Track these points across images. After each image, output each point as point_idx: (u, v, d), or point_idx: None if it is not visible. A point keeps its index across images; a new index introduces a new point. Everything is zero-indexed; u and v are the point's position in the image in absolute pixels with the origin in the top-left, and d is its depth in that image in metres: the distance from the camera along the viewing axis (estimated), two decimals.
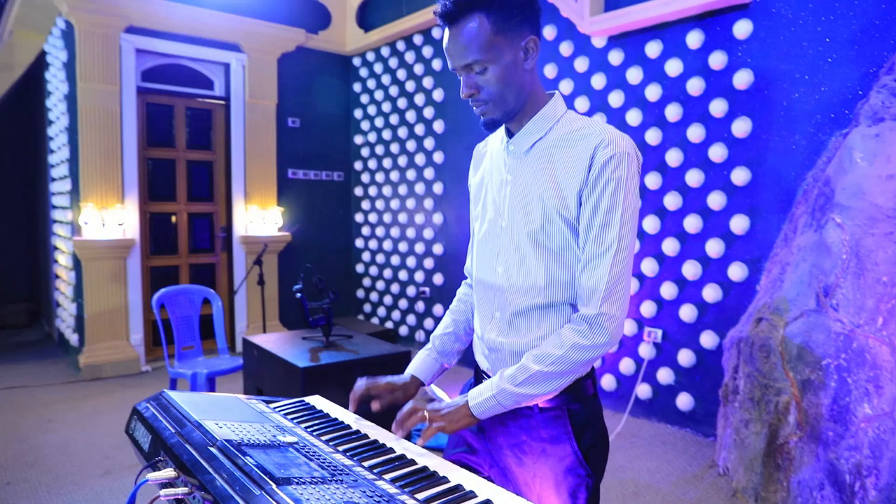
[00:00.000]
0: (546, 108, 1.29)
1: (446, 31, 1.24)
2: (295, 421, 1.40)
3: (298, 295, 3.32)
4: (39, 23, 5.34)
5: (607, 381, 4.25)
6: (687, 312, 3.79)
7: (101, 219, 5.02)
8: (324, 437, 1.29)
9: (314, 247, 6.49)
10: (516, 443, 1.31)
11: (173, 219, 5.79)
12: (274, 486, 0.94)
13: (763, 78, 3.53)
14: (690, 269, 3.78)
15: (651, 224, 3.98)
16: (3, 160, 7.62)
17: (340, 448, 1.23)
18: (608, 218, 1.19)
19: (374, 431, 1.35)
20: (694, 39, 3.78)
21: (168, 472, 1.08)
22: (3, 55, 5.49)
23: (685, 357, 3.79)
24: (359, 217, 6.78)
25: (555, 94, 1.32)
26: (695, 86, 3.77)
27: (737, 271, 3.57)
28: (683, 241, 3.86)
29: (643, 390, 4.01)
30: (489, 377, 1.33)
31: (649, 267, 3.99)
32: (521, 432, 1.30)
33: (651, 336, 3.98)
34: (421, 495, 1.03)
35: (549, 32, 4.61)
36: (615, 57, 4.22)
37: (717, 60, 3.66)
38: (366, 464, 1.16)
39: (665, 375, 3.90)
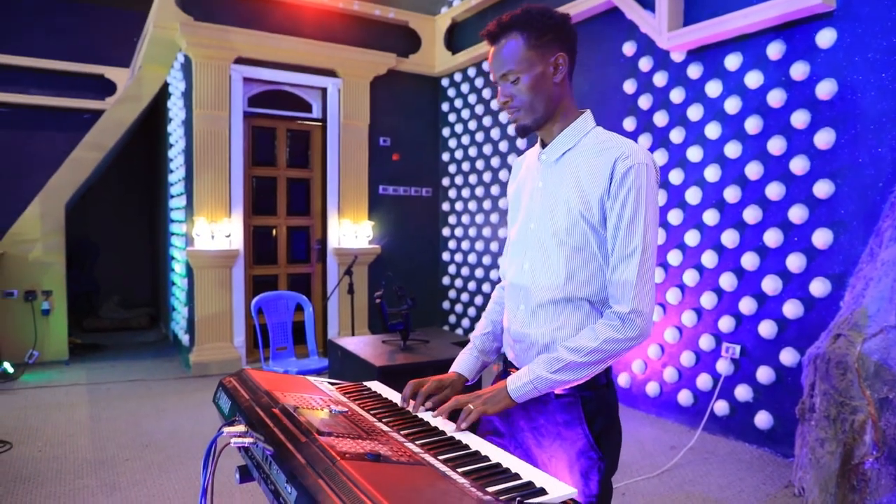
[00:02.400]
0: (577, 123, 1.46)
1: (491, 48, 1.45)
2: (350, 398, 1.60)
3: (378, 300, 3.56)
4: (163, 58, 6.00)
5: (684, 397, 4.20)
6: (766, 328, 3.70)
7: (210, 231, 5.54)
8: (370, 410, 1.48)
9: (402, 259, 6.80)
10: (535, 426, 1.44)
11: (274, 232, 6.27)
12: (317, 436, 1.14)
13: (847, 88, 3.44)
14: (770, 284, 3.70)
15: (730, 238, 3.93)
16: (132, 181, 8.53)
17: (383, 419, 1.42)
18: (633, 223, 1.33)
19: (419, 411, 1.52)
20: (774, 50, 3.73)
21: (240, 428, 1.30)
22: (132, 88, 6.20)
23: (764, 374, 3.70)
24: (446, 231, 7.02)
25: (586, 111, 1.49)
26: (776, 97, 3.72)
27: (819, 287, 3.47)
28: (763, 255, 3.79)
29: (720, 406, 3.94)
30: (515, 366, 1.48)
31: (728, 281, 3.94)
32: (539, 416, 1.43)
33: (729, 352, 3.92)
34: (442, 456, 1.19)
35: (628, 49, 4.67)
36: (694, 71, 4.22)
37: (799, 71, 3.60)
38: (402, 431, 1.33)
39: (743, 392, 3.82)
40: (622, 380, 4.68)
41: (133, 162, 8.25)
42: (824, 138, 3.48)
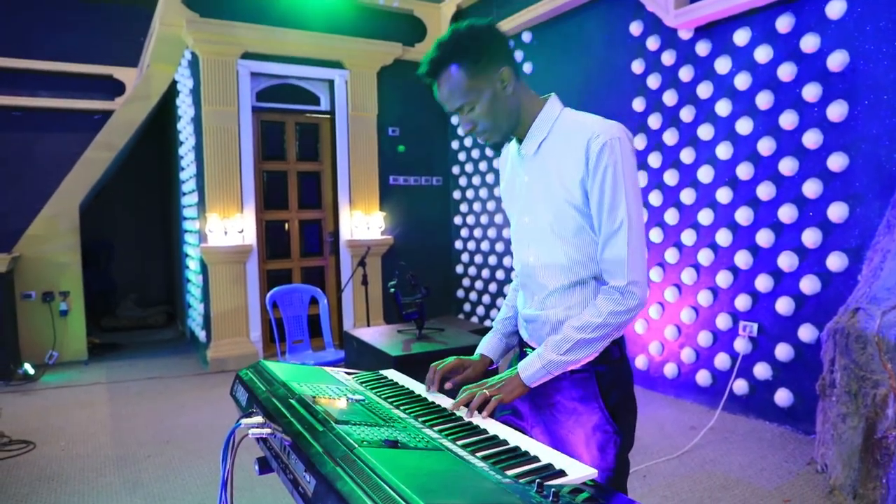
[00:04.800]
0: (544, 112, 1.48)
1: (434, 84, 1.45)
2: (366, 386, 1.61)
3: (392, 290, 3.57)
4: (170, 55, 6.01)
5: (702, 377, 4.18)
6: (784, 305, 3.67)
7: (223, 227, 5.57)
8: (388, 399, 1.48)
9: (415, 249, 6.79)
10: (551, 402, 1.47)
11: (286, 226, 6.29)
12: (334, 424, 1.15)
13: (859, 58, 3.38)
14: (786, 261, 3.66)
15: (744, 215, 3.89)
16: (144, 180, 8.59)
17: (400, 407, 1.42)
18: (615, 199, 1.35)
19: (434, 396, 1.52)
20: (784, 23, 3.67)
21: (257, 419, 1.30)
22: (141, 87, 6.23)
23: (783, 351, 3.67)
24: (457, 219, 7.01)
25: (550, 97, 1.50)
26: (786, 71, 3.66)
27: (836, 261, 3.43)
28: (778, 231, 3.75)
29: (739, 385, 3.92)
30: (530, 346, 1.51)
31: (743, 259, 3.90)
32: (556, 393, 1.46)
33: (746, 330, 3.89)
34: (461, 442, 1.20)
35: (635, 28, 4.62)
36: (702, 48, 4.16)
37: (810, 43, 3.54)
38: (418, 418, 1.34)
39: (762, 370, 3.79)
40: (640, 362, 4.66)
41: (145, 161, 8.30)
42: (837, 111, 3.42)
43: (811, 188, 3.55)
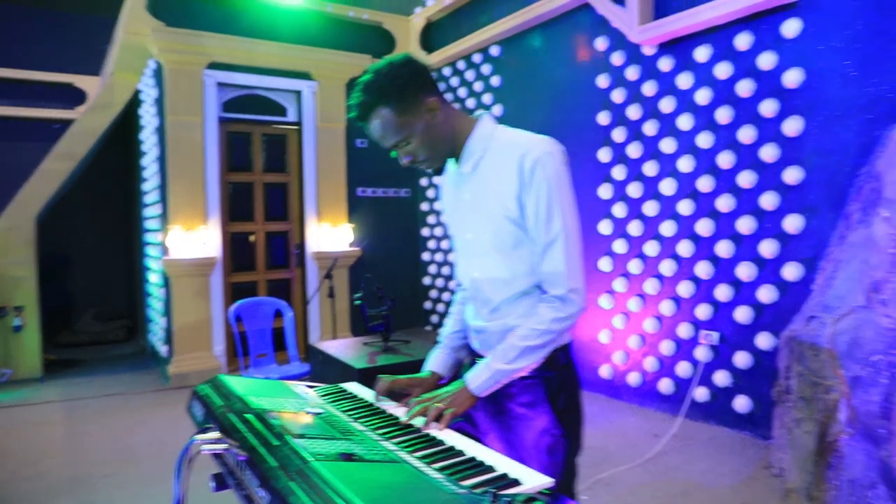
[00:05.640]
0: (477, 132, 1.52)
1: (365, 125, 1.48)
2: (326, 399, 1.60)
3: (357, 302, 3.55)
4: (134, 64, 5.93)
5: (665, 385, 4.24)
6: (743, 314, 3.75)
7: (187, 239, 5.48)
8: (347, 412, 1.48)
9: (383, 261, 6.77)
10: (502, 409, 1.51)
11: (252, 238, 6.22)
12: (290, 438, 1.13)
13: (814, 76, 3.49)
14: (745, 271, 3.75)
15: (705, 227, 3.98)
16: (106, 191, 8.40)
17: (359, 420, 1.41)
18: (549, 212, 1.41)
19: (393, 408, 1.52)
20: (743, 41, 3.78)
21: (213, 435, 1.29)
22: (103, 96, 6.12)
23: (742, 359, 3.75)
24: (425, 231, 7.02)
25: (481, 116, 1.54)
26: (745, 87, 3.77)
27: (792, 271, 3.52)
28: (737, 242, 3.84)
29: (700, 393, 3.99)
30: (480, 355, 1.56)
31: (704, 270, 3.98)
32: (506, 401, 1.50)
33: (707, 338, 3.96)
34: (419, 454, 1.20)
35: (600, 44, 4.70)
36: (665, 64, 4.26)
37: (767, 61, 3.65)
38: (377, 430, 1.33)
39: (722, 378, 3.87)
40: (605, 371, 4.71)
41: (107, 172, 8.12)
42: (793, 126, 3.53)
43: (768, 200, 3.65)
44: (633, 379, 4.48)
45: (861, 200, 3.05)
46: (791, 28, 3.54)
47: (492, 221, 1.47)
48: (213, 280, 5.72)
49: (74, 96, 6.53)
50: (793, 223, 3.53)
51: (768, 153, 3.65)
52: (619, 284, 4.61)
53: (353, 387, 1.78)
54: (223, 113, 5.93)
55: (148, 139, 6.19)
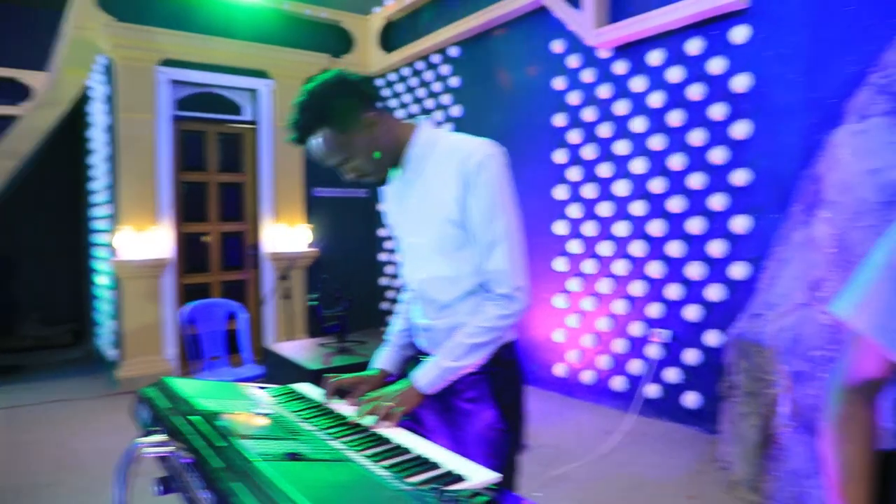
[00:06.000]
0: (418, 139, 1.53)
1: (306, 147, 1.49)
2: (277, 400, 1.58)
3: (312, 303, 3.52)
4: (83, 60, 5.75)
5: (618, 382, 4.32)
6: (692, 312, 3.86)
7: (137, 240, 5.34)
8: (296, 412, 1.46)
9: (340, 261, 6.72)
10: (449, 406, 1.53)
11: (206, 238, 6.10)
12: (236, 439, 1.12)
13: (761, 81, 3.61)
14: (695, 270, 3.85)
15: (657, 227, 4.07)
16: (53, 190, 8.12)
17: (309, 420, 1.40)
18: (493, 213, 1.43)
19: (342, 408, 1.52)
20: (694, 46, 3.88)
21: (158, 438, 1.26)
22: (50, 92, 5.91)
23: (692, 356, 3.85)
24: (382, 232, 6.99)
25: (420, 122, 1.56)
26: (695, 91, 3.87)
27: (739, 270, 3.63)
28: (688, 242, 3.94)
29: (652, 390, 4.08)
30: (426, 353, 1.58)
31: (656, 269, 4.07)
32: (452, 397, 1.52)
33: (658, 337, 4.05)
34: (367, 452, 1.19)
35: (557, 46, 4.76)
36: (620, 67, 4.34)
37: (717, 66, 3.76)
38: (325, 430, 1.32)
39: (673, 375, 3.96)
40: (560, 370, 4.77)
41: (53, 170, 7.85)
42: (741, 129, 3.64)
43: (718, 201, 3.75)
44: (588, 377, 4.56)
45: (803, 202, 3.17)
46: (740, 34, 3.65)
47: (436, 225, 1.49)
48: (165, 282, 5.58)
49: (18, 92, 6.28)
50: (741, 224, 3.64)
51: (718, 155, 3.75)
52: (574, 284, 4.68)
53: (304, 387, 1.76)
54: (177, 111, 5.81)
55: (97, 137, 6.01)
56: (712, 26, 3.82)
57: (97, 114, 5.95)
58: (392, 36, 6.77)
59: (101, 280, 6.09)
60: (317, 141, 1.44)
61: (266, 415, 1.37)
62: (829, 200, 2.89)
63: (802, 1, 3.42)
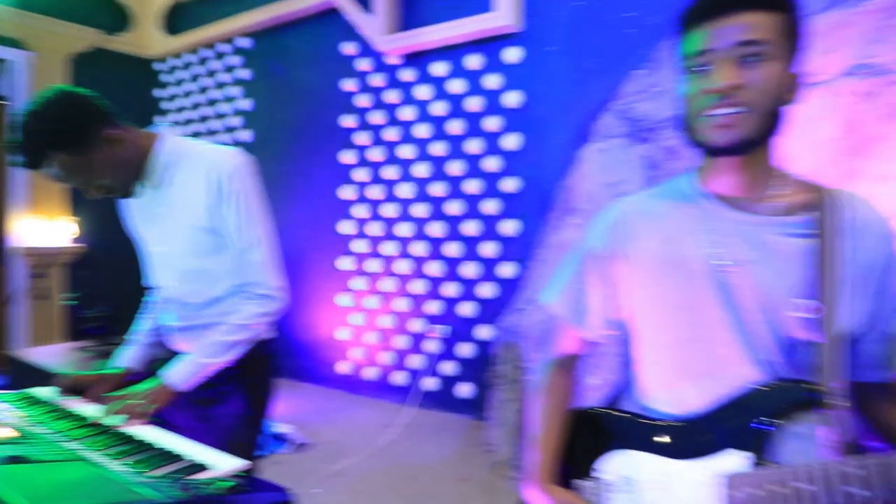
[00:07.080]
0: (162, 147, 1.53)
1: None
2: (10, 405, 1.45)
3: (68, 303, 3.19)
4: None
5: (399, 377, 4.51)
6: (467, 309, 4.16)
7: None
8: (30, 416, 1.35)
9: (113, 257, 6.09)
10: (199, 400, 1.56)
11: None
12: None
13: (531, 98, 3.98)
14: (470, 270, 4.15)
15: (437, 229, 4.32)
16: None
17: (44, 423, 1.30)
18: (247, 219, 1.50)
19: (80, 407, 1.45)
20: (473, 62, 4.17)
21: None
22: None
23: (466, 350, 4.15)
24: None
25: (161, 131, 1.57)
26: (474, 104, 4.17)
27: (509, 270, 4.00)
28: (464, 244, 4.24)
29: (431, 383, 4.32)
30: (177, 352, 1.58)
31: (435, 269, 4.32)
32: (203, 391, 1.54)
33: (436, 332, 4.31)
34: (108, 451, 1.14)
35: (348, 48, 4.82)
36: (408, 75, 4.52)
37: (493, 82, 4.08)
38: (60, 432, 1.24)
39: (449, 368, 4.24)
40: (344, 367, 4.84)
41: None
42: (513, 141, 4.00)
43: (491, 206, 4.09)
44: (370, 373, 4.69)
45: (558, 209, 3.59)
46: (513, 55, 4.00)
47: (186, 232, 1.51)
48: None
49: None
50: (510, 227, 4.01)
51: (492, 164, 4.09)
52: (360, 283, 4.78)
53: (44, 391, 1.62)
54: None
55: None
56: (489, 45, 4.15)
57: None
58: (179, 18, 6.33)
59: None
60: (53, 166, 1.33)
61: None
62: (577, 208, 3.31)
63: (566, 30, 3.85)
